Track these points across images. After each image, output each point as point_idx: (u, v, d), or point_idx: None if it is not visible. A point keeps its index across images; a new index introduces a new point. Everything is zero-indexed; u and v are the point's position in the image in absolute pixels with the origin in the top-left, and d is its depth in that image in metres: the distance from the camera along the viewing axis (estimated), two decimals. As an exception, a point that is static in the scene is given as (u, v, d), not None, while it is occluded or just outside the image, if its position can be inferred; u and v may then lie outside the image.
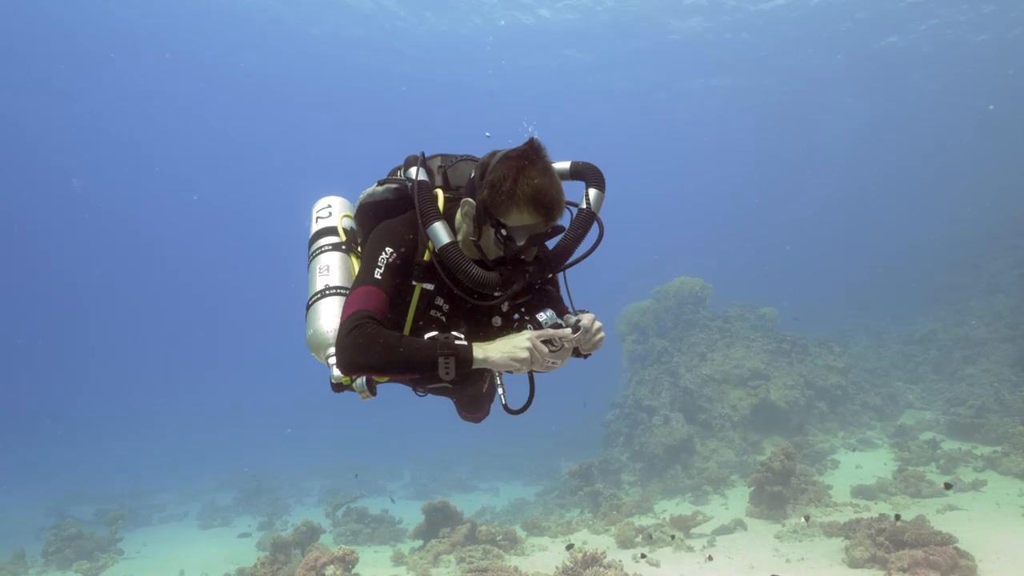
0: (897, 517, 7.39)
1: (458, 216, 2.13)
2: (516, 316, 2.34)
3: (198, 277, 53.20)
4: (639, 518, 10.34)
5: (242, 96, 34.83)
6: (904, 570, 6.64)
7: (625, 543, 9.00)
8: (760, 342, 14.98)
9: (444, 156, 2.47)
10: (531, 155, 1.94)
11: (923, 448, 11.59)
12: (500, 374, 2.47)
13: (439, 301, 2.18)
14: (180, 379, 40.19)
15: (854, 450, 12.44)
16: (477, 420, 2.97)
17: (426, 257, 2.10)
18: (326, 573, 7.68)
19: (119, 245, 49.64)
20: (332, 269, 2.45)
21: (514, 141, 2.36)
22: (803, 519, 8.45)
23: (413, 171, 2.24)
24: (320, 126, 38.81)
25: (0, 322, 43.79)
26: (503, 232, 1.96)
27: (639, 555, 8.37)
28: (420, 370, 1.88)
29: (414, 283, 2.17)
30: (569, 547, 8.38)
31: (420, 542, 9.95)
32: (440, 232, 2.02)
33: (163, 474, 20.46)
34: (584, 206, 2.12)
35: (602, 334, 2.12)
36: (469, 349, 1.89)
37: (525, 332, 1.94)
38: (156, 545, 13.04)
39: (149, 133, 38.40)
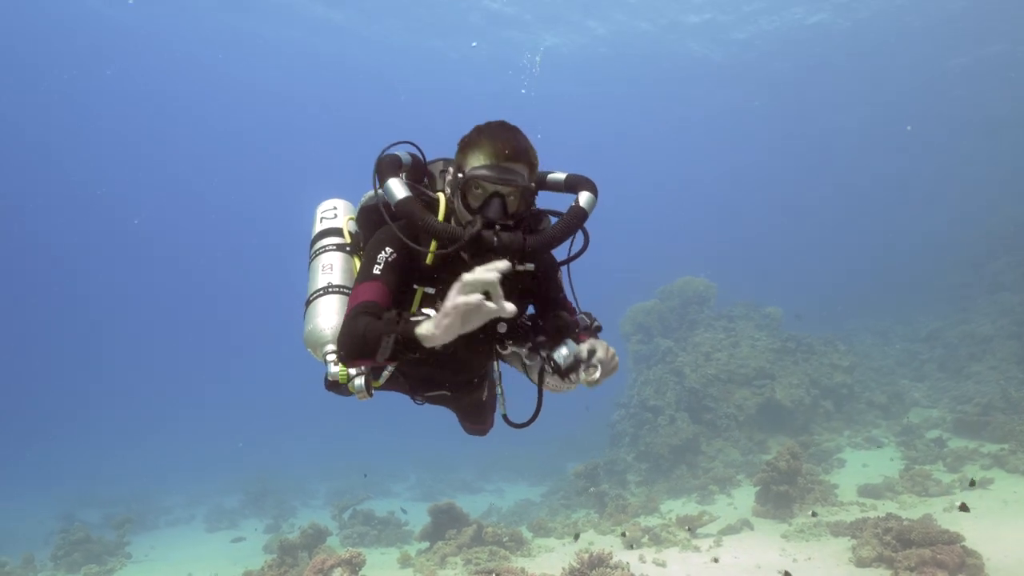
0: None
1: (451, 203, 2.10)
2: (522, 322, 2.28)
3: (205, 281, 53.42)
4: (645, 518, 10.34)
5: (254, 100, 35.04)
6: (911, 569, 6.63)
7: (631, 543, 9.00)
8: (765, 341, 14.96)
9: (446, 160, 2.44)
10: (500, 121, 2.03)
11: (929, 446, 11.56)
12: (500, 383, 2.46)
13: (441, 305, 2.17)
14: (186, 383, 40.26)
15: (860, 449, 12.42)
16: (482, 433, 2.95)
17: (429, 260, 2.08)
18: (333, 575, 7.70)
19: (126, 249, 49.87)
20: (335, 268, 2.46)
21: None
22: (811, 514, 8.42)
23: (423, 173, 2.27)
24: (329, 130, 38.95)
25: (8, 327, 43.94)
26: (463, 178, 1.95)
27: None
28: (371, 349, 1.79)
29: (415, 287, 2.16)
30: (576, 537, 8.41)
31: (426, 544, 9.96)
32: (396, 187, 2.02)
33: (170, 477, 20.51)
34: (576, 202, 2.12)
35: (616, 360, 2.07)
36: (411, 326, 1.74)
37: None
38: (164, 548, 13.09)
39: (157, 135, 38.55)
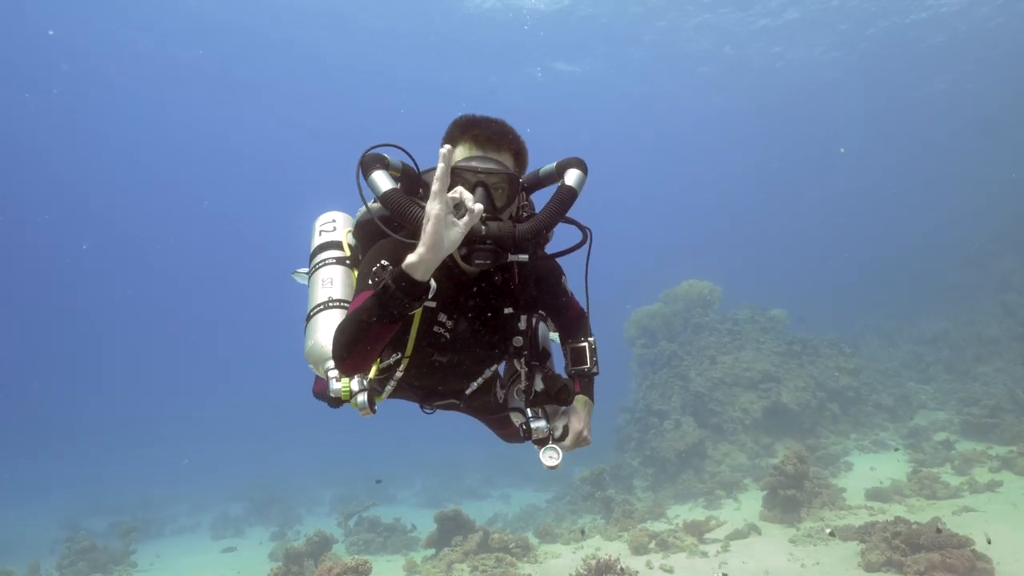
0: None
1: None
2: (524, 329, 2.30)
3: (208, 288, 53.54)
4: (652, 524, 10.28)
5: (255, 105, 35.13)
6: (921, 574, 6.58)
7: (638, 549, 8.96)
8: (770, 344, 14.91)
9: None
10: (484, 115, 2.03)
11: (937, 449, 11.50)
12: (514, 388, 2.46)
13: (442, 318, 2.13)
14: (188, 391, 40.36)
15: (867, 452, 12.36)
16: (517, 437, 2.93)
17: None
18: (339, 583, 7.67)
19: (127, 258, 50.02)
20: (335, 282, 2.43)
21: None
22: (826, 531, 8.20)
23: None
24: (331, 136, 39.06)
25: (9, 334, 44.07)
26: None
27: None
28: (375, 314, 1.77)
29: None
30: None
31: (432, 551, 9.93)
32: (381, 179, 1.99)
33: (174, 486, 20.52)
34: (563, 182, 2.08)
35: (586, 438, 2.26)
36: (397, 267, 1.73)
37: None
38: (169, 557, 13.08)
39: (156, 139, 38.68)
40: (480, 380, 2.38)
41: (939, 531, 7.12)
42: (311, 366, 2.29)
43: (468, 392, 2.42)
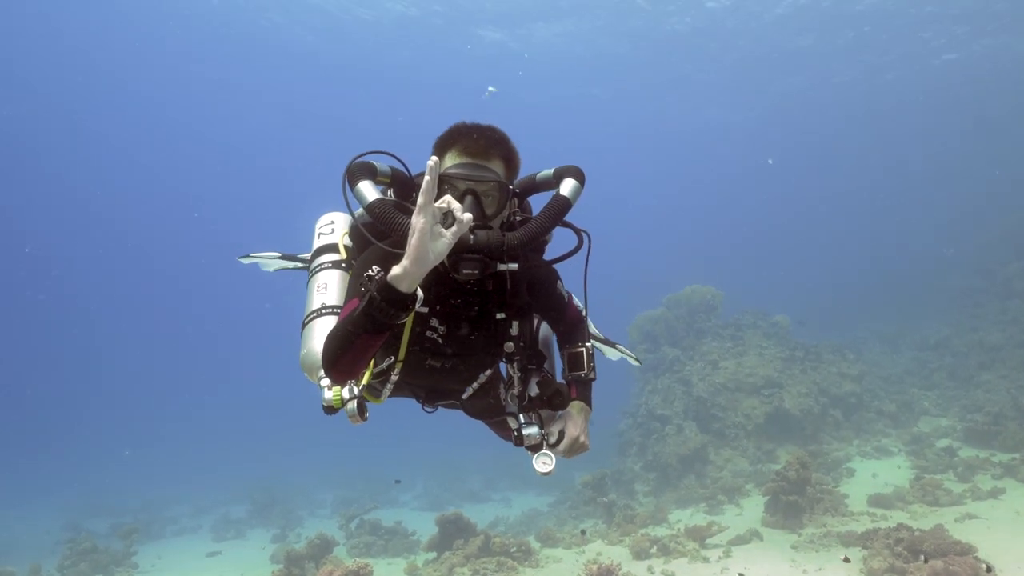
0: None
1: None
2: (519, 336, 2.29)
3: (207, 288, 53.46)
4: (653, 528, 10.27)
5: (255, 104, 35.28)
6: (924, 580, 6.56)
7: (640, 554, 8.95)
8: (773, 350, 14.89)
9: None
10: (475, 122, 2.02)
11: (940, 456, 11.46)
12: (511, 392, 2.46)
13: (434, 322, 2.14)
14: (190, 393, 40.33)
15: (870, 458, 12.32)
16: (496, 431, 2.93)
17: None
18: (341, 586, 7.67)
19: (127, 258, 50.07)
20: (330, 287, 2.42)
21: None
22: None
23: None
24: (329, 137, 39.15)
25: (8, 334, 44.10)
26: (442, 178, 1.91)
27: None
28: (362, 325, 1.78)
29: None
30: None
31: (434, 554, 9.93)
32: (367, 189, 1.99)
33: (176, 487, 20.51)
34: (559, 192, 2.06)
35: (583, 444, 2.21)
36: (382, 277, 1.74)
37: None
38: (170, 558, 13.08)
39: (155, 140, 38.80)
40: (476, 384, 2.38)
41: (918, 531, 7.05)
42: (305, 374, 2.29)
43: (465, 396, 2.42)
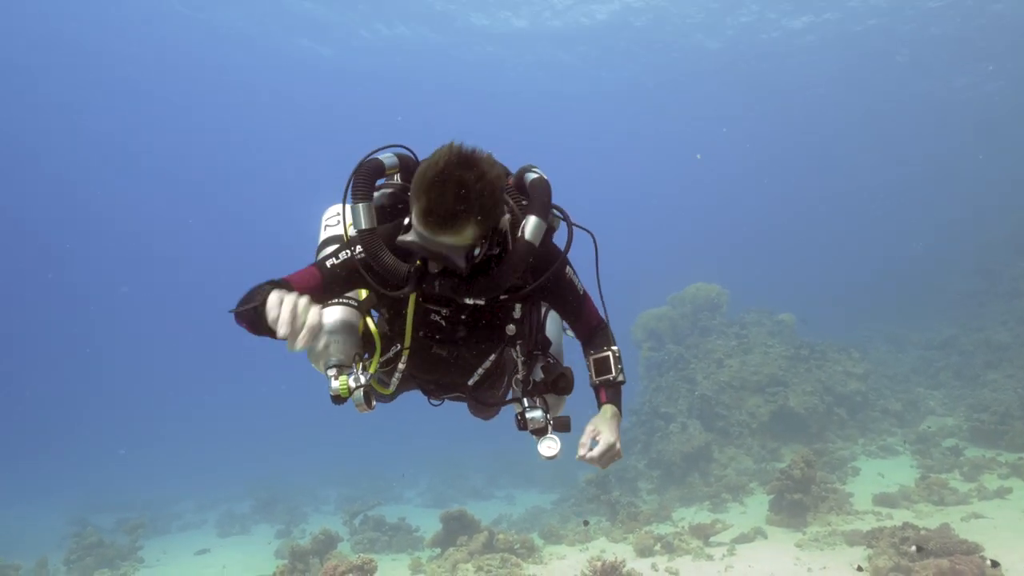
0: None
1: None
2: (526, 325, 2.32)
3: (211, 284, 53.48)
4: (657, 526, 10.26)
5: (256, 100, 35.32)
6: (929, 579, 6.53)
7: (644, 551, 8.94)
8: (778, 348, 14.86)
9: None
10: (458, 155, 1.77)
11: (946, 455, 11.42)
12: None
13: (435, 306, 2.17)
14: (190, 390, 40.41)
15: (875, 457, 12.28)
16: (486, 418, 2.93)
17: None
18: (345, 581, 7.68)
19: (131, 254, 50.14)
20: None
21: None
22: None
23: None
24: (332, 132, 39.21)
25: (8, 330, 44.23)
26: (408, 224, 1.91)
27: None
28: (246, 310, 1.91)
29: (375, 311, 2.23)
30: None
31: (438, 550, 9.94)
32: (361, 215, 2.00)
33: (180, 483, 20.58)
34: (521, 235, 1.98)
35: (611, 454, 2.09)
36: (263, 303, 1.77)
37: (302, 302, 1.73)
38: (175, 553, 13.13)
39: (155, 137, 38.86)
40: (481, 371, 2.38)
41: (924, 530, 7.03)
42: (311, 363, 2.29)
43: (471, 384, 2.43)
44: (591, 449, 2.07)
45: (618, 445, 2.10)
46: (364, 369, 2.13)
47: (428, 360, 2.28)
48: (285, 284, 2.02)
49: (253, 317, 1.87)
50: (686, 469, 12.52)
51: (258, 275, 2.10)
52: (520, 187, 2.23)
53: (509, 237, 2.05)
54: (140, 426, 32.11)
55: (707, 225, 50.22)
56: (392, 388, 2.38)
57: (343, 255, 2.12)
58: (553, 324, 2.64)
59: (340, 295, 2.23)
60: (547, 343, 2.49)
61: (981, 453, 11.10)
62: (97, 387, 42.12)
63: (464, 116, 32.34)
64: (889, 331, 20.96)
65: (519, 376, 2.33)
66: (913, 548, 6.82)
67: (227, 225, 51.27)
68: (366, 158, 2.11)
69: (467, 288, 1.93)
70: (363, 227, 1.99)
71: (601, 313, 2.38)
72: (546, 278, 2.15)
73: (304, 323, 1.69)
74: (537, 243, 1.99)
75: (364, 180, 2.06)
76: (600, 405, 2.28)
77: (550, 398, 2.33)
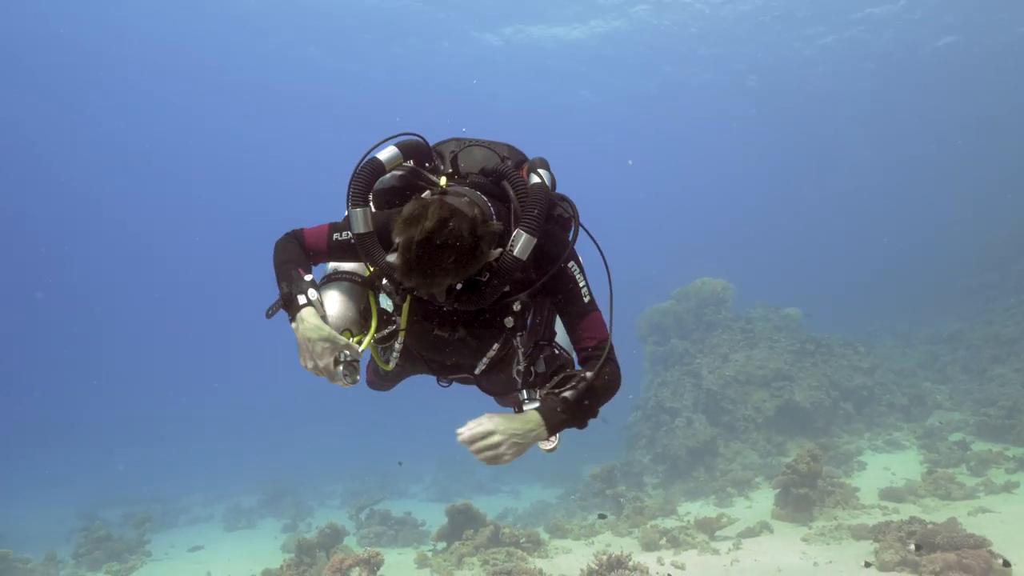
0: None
1: None
2: (528, 317, 2.31)
3: (216, 280, 53.62)
4: (663, 520, 10.27)
5: (256, 99, 35.30)
6: (936, 574, 6.52)
7: (649, 545, 8.95)
8: (784, 343, 14.82)
9: (458, 140, 2.43)
10: (438, 216, 1.70)
11: (952, 449, 11.38)
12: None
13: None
14: (195, 385, 40.49)
15: (881, 452, 12.25)
16: (503, 405, 2.92)
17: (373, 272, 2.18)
18: (352, 575, 7.72)
19: (135, 252, 50.16)
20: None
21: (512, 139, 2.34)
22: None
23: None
24: (332, 131, 39.22)
25: (12, 327, 44.40)
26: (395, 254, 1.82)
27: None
28: (278, 267, 2.17)
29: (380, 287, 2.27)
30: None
31: (444, 544, 9.96)
32: (358, 219, 2.06)
33: (187, 478, 20.69)
34: (510, 250, 1.94)
35: (487, 447, 1.91)
36: (297, 309, 2.06)
37: (323, 332, 2.04)
38: (183, 546, 13.21)
39: (155, 135, 38.89)
40: (486, 359, 2.37)
41: (930, 524, 7.01)
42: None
43: (477, 371, 2.42)
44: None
45: (497, 439, 1.88)
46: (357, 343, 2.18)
47: (429, 340, 2.30)
48: (299, 236, 2.26)
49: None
50: (691, 463, 12.51)
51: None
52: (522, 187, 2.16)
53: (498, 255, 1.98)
54: (142, 426, 32.22)
55: (712, 222, 50.11)
56: (391, 365, 2.38)
57: (345, 235, 2.20)
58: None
59: (346, 260, 2.33)
60: (552, 335, 2.48)
61: (988, 447, 11.06)
62: (101, 385, 42.27)
63: (464, 116, 32.39)
64: (895, 326, 20.88)
65: (520, 367, 2.32)
66: (912, 547, 6.79)
67: (228, 225, 51.27)
68: (364, 159, 2.15)
69: (454, 301, 1.95)
70: (360, 231, 2.05)
71: (607, 330, 2.18)
72: (549, 276, 2.11)
73: (324, 367, 2.05)
74: (524, 258, 1.94)
75: (360, 183, 2.08)
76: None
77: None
